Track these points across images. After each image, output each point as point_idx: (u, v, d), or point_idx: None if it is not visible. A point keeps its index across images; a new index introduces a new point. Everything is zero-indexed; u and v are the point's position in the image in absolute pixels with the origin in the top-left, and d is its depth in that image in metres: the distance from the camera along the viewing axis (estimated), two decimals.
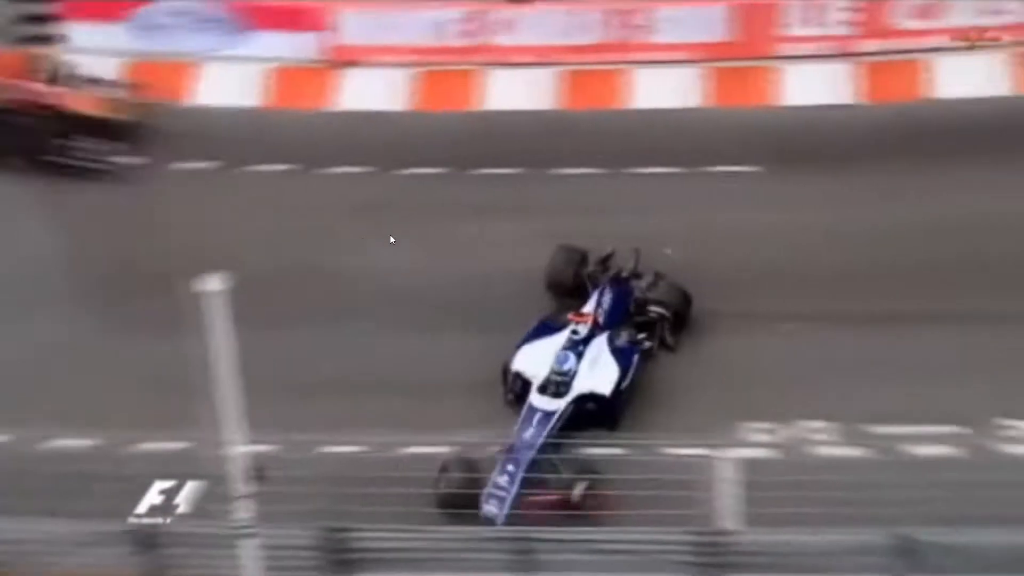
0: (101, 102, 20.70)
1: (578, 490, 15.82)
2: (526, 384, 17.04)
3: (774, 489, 14.62)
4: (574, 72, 21.92)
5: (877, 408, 16.76)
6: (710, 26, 21.67)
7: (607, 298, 17.93)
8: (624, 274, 18.30)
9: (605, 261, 18.47)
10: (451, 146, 20.74)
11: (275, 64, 22.21)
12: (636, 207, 19.46)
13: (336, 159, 20.77)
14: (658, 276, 18.12)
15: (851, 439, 16.59)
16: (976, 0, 21.32)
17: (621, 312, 17.86)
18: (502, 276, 18.57)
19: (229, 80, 22.04)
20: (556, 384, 16.86)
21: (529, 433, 16.48)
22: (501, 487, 16.03)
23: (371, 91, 21.89)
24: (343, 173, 20.68)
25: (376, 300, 18.53)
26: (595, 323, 17.56)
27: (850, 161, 19.72)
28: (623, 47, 21.81)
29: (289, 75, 22.16)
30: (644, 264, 18.29)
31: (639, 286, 18.14)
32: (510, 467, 16.17)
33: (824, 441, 16.66)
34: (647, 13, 21.79)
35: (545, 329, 17.57)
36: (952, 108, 20.73)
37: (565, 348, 17.19)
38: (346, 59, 22.18)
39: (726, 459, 13.90)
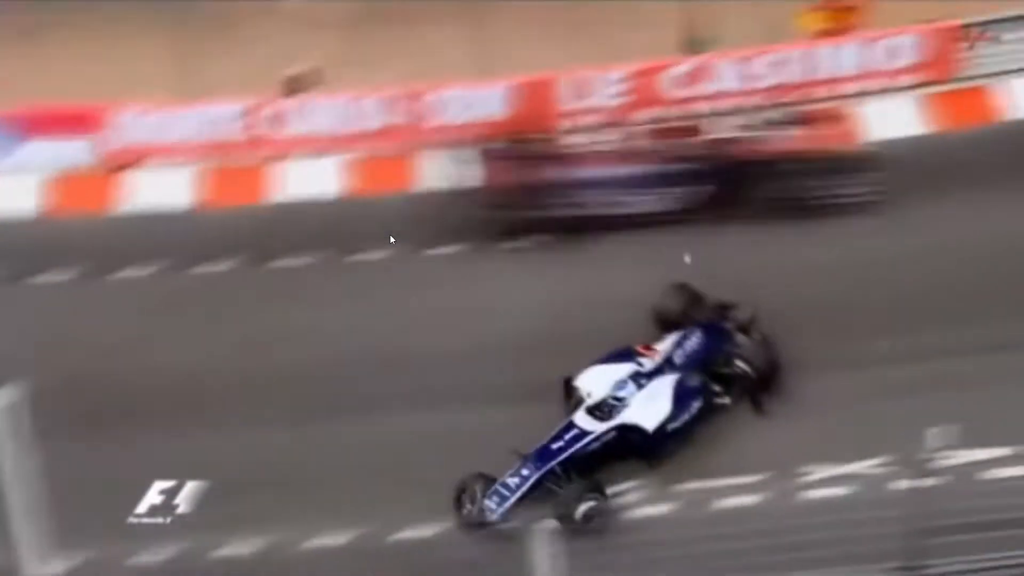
0: (825, 140, 20.60)
1: (582, 508, 16.02)
2: (581, 401, 17.15)
3: (594, 554, 14.78)
4: (360, 160, 22.03)
5: (687, 463, 17.09)
6: (491, 105, 22.06)
7: (691, 341, 17.85)
8: (726, 324, 18.12)
9: (724, 309, 18.29)
10: (242, 240, 20.59)
11: (55, 171, 21.82)
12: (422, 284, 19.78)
13: (125, 261, 20.39)
14: (765, 338, 17.96)
15: (665, 496, 16.88)
16: (741, 67, 22.25)
17: (703, 358, 17.74)
18: (298, 370, 18.55)
19: (7, 190, 21.54)
20: (605, 408, 17.00)
21: (557, 445, 16.69)
22: (509, 487, 16.31)
23: (156, 191, 21.64)
24: (131, 277, 20.34)
25: (189, 397, 18.32)
26: (667, 360, 17.57)
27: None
28: (407, 132, 22.01)
29: (70, 181, 21.77)
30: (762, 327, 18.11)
31: (737, 340, 18.01)
32: (524, 471, 16.44)
33: (640, 500, 16.89)
34: (428, 96, 22.07)
35: (623, 355, 17.63)
36: None
37: (628, 376, 17.29)
38: (127, 161, 21.91)
39: (541, 530, 13.97)
